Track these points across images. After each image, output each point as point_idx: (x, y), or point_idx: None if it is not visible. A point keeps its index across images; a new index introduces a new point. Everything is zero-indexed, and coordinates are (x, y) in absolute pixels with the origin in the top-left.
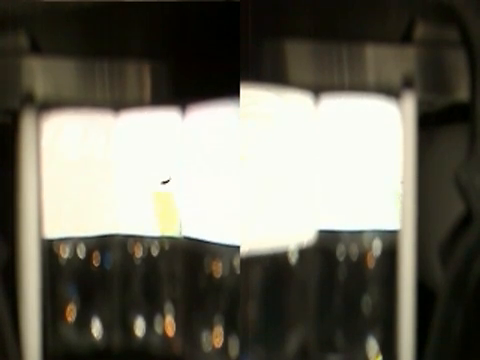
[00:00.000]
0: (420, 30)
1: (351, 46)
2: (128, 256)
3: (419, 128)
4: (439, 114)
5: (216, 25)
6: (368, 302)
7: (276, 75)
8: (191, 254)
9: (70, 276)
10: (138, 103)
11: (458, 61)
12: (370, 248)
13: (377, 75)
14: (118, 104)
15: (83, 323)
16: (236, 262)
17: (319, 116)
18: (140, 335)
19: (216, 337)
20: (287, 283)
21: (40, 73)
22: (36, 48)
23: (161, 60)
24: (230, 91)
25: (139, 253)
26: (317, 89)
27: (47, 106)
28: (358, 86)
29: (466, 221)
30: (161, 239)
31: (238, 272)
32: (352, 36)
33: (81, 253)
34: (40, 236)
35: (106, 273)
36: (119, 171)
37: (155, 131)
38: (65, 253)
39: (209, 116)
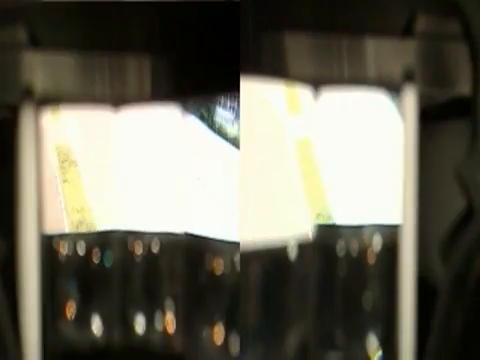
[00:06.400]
0: (421, 23)
1: (352, 39)
2: (128, 253)
3: (420, 122)
4: (440, 108)
5: (216, 20)
6: (368, 298)
7: (276, 69)
8: (192, 251)
9: (70, 273)
10: (138, 98)
11: (460, 54)
12: (370, 243)
13: (378, 69)
14: (118, 99)
15: (83, 320)
16: (237, 259)
17: (319, 109)
18: (140, 332)
19: (217, 334)
20: (287, 279)
21: (39, 68)
22: (35, 42)
23: (161, 55)
24: (230, 86)
25: (139, 250)
26: (317, 83)
27: (46, 101)
28: (359, 80)
29: (467, 217)
30: (161, 236)
31: (239, 269)
32: (353, 29)
33: (81, 250)
34: (40, 232)
35: (106, 270)
36: (119, 166)
37: (155, 126)
38: (65, 250)
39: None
